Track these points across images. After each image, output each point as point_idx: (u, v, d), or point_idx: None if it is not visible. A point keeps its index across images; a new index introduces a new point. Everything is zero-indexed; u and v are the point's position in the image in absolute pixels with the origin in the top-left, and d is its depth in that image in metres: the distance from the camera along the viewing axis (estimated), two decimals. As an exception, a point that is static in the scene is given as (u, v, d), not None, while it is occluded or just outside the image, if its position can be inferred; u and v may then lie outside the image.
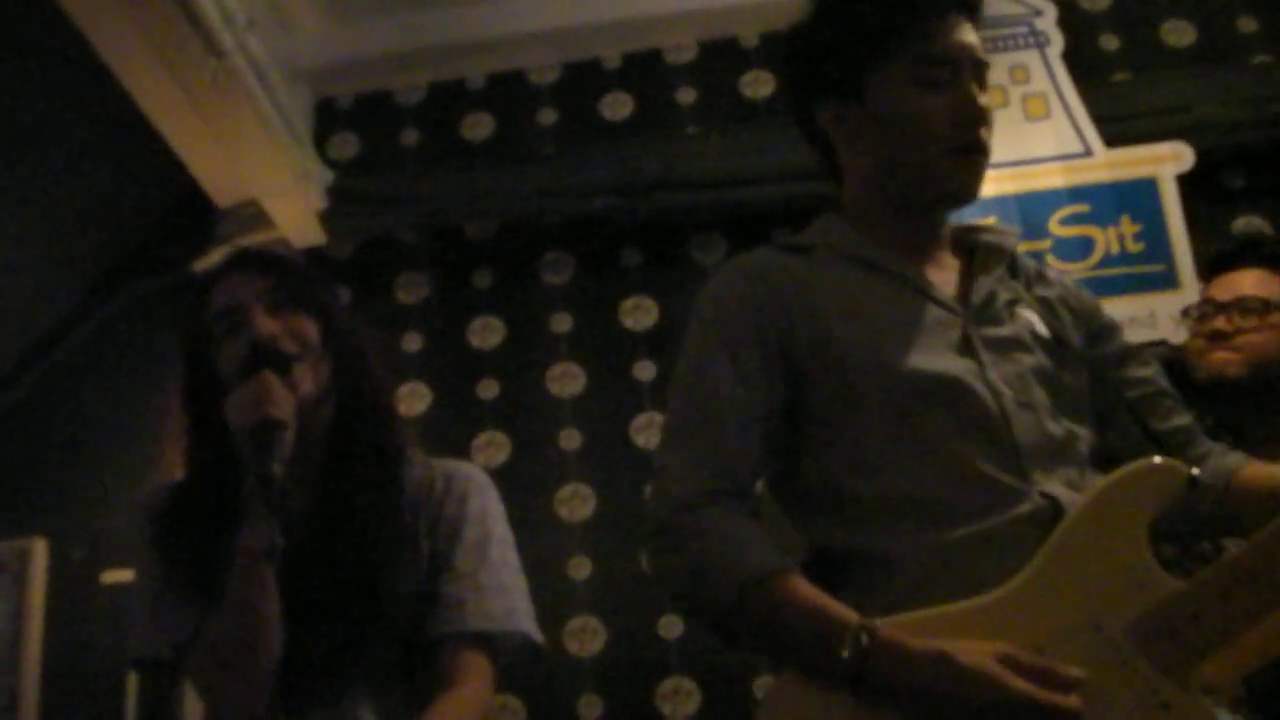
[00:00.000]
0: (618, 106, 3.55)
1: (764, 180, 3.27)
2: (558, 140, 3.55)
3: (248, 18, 2.90)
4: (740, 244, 3.34)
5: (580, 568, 3.11)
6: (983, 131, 1.47)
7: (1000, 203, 3.12)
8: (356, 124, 3.64)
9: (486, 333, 3.39)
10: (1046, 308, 1.54)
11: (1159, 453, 1.33)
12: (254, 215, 3.36)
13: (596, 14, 3.49)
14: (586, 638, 3.04)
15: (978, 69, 1.48)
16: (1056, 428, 1.40)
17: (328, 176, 3.42)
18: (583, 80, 3.59)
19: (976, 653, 1.19)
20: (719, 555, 1.33)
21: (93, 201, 3.43)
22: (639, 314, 3.34)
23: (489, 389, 3.32)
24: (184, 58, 2.76)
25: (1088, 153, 3.21)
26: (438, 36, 3.54)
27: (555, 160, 3.49)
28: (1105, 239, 3.15)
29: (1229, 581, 1.21)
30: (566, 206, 3.39)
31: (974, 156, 1.47)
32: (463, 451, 3.21)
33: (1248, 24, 3.41)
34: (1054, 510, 1.32)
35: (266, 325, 1.60)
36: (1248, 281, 2.35)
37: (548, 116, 3.57)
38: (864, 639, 1.23)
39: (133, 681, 3.08)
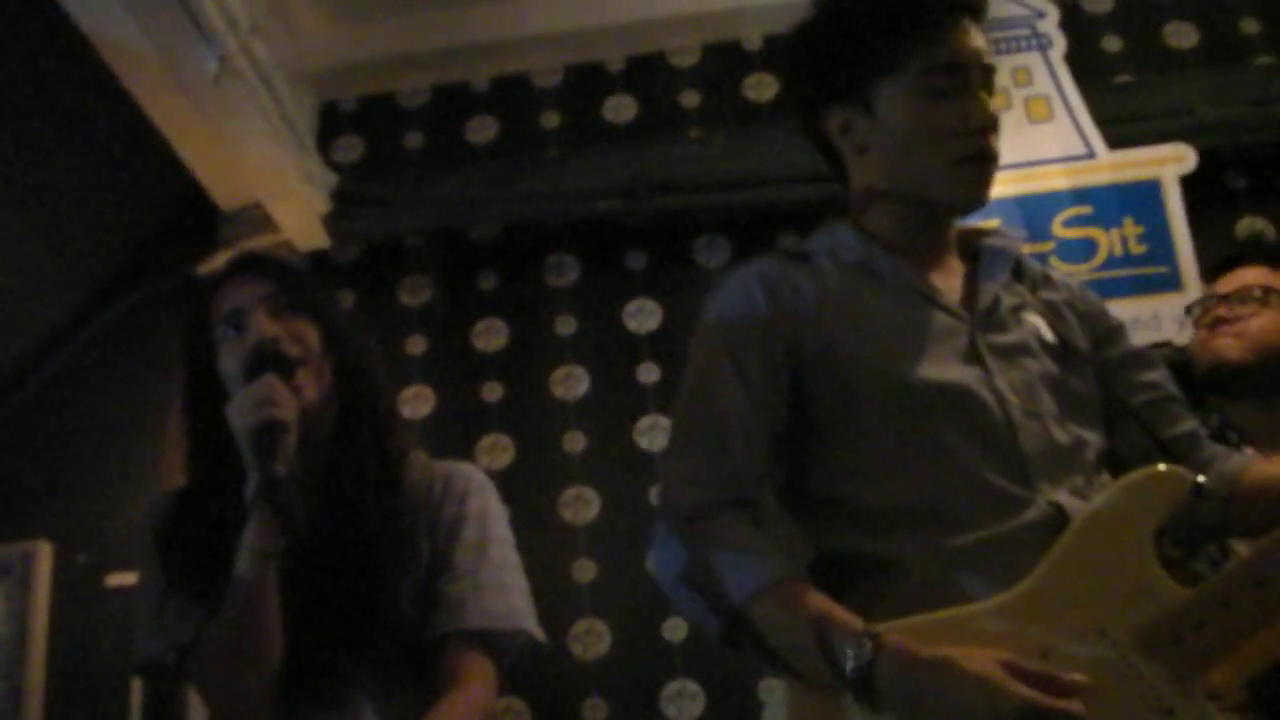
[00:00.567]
0: (621, 109, 3.55)
1: (768, 182, 3.27)
2: (561, 143, 3.55)
3: (251, 22, 2.90)
4: (744, 246, 3.34)
5: (584, 570, 3.11)
6: (992, 138, 1.46)
7: (1003, 205, 3.11)
8: (360, 127, 3.64)
9: (490, 335, 3.39)
10: (1053, 312, 1.54)
11: (1164, 459, 1.34)
12: (258, 218, 3.36)
13: (600, 17, 3.48)
14: (591, 640, 3.04)
15: (985, 73, 1.48)
16: (1063, 435, 1.40)
17: (331, 179, 3.42)
18: (586, 83, 3.59)
19: (980, 660, 1.19)
20: (722, 564, 1.34)
21: (96, 204, 3.43)
22: (643, 317, 3.34)
23: (493, 392, 3.32)
24: (188, 61, 2.76)
25: (1090, 155, 3.21)
26: (441, 40, 3.53)
27: (559, 163, 3.48)
28: (1108, 241, 3.15)
29: (1233, 589, 1.21)
30: (570, 209, 3.38)
31: (984, 165, 1.47)
32: (467, 454, 3.21)
33: (1250, 25, 3.41)
34: (1060, 518, 1.32)
35: (269, 329, 1.61)
36: (1250, 275, 2.36)
37: (551, 119, 3.57)
38: (867, 646, 1.23)
39: (137, 685, 3.08)
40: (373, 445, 1.67)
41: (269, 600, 1.48)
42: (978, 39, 1.48)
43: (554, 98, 3.59)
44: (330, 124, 3.64)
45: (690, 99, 3.54)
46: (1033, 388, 1.42)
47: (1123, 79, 3.40)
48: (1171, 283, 3.09)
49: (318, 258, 3.44)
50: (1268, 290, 2.30)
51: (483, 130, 3.59)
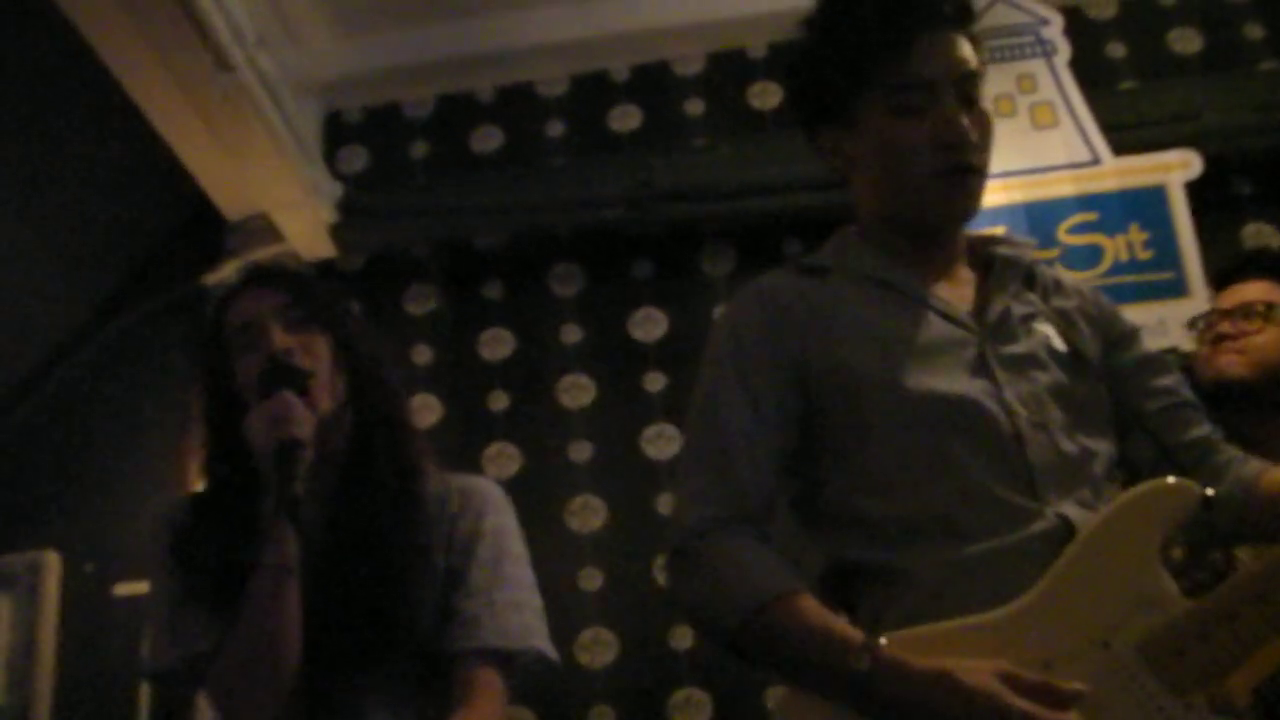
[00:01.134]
0: (626, 118, 3.56)
1: (773, 191, 3.27)
2: (566, 152, 3.56)
3: (257, 33, 2.92)
4: (750, 255, 3.34)
5: (591, 579, 3.11)
6: (968, 152, 1.44)
7: (1009, 212, 3.11)
8: (365, 137, 3.65)
9: (496, 344, 3.39)
10: (1064, 320, 1.53)
11: (1175, 469, 1.34)
12: (264, 229, 3.37)
13: (605, 26, 3.49)
14: (598, 649, 3.04)
15: (963, 84, 1.45)
16: (1071, 446, 1.40)
17: (337, 190, 3.43)
18: (591, 92, 3.60)
19: (978, 672, 1.20)
20: (727, 579, 1.35)
21: (103, 215, 3.44)
22: (649, 325, 3.34)
23: (499, 401, 3.33)
24: (194, 73, 2.78)
25: (1096, 161, 3.20)
26: (446, 50, 3.54)
27: (564, 172, 3.49)
28: (1114, 247, 3.15)
29: (1237, 602, 1.21)
30: (575, 218, 3.39)
31: (961, 177, 1.45)
32: (473, 463, 3.21)
33: (1255, 31, 3.41)
34: (1067, 530, 1.32)
35: (283, 341, 1.62)
36: (1253, 290, 2.35)
37: (556, 128, 3.58)
38: (866, 659, 1.23)
39: (145, 694, 3.08)
40: (389, 457, 1.68)
41: (288, 614, 1.49)
42: (954, 49, 1.45)
43: (559, 107, 3.60)
44: (335, 134, 3.66)
45: (695, 107, 3.55)
46: (1041, 399, 1.41)
47: (1127, 85, 3.40)
48: (1178, 289, 3.09)
49: (323, 268, 3.45)
50: (1270, 306, 2.30)
51: (488, 140, 3.60)
